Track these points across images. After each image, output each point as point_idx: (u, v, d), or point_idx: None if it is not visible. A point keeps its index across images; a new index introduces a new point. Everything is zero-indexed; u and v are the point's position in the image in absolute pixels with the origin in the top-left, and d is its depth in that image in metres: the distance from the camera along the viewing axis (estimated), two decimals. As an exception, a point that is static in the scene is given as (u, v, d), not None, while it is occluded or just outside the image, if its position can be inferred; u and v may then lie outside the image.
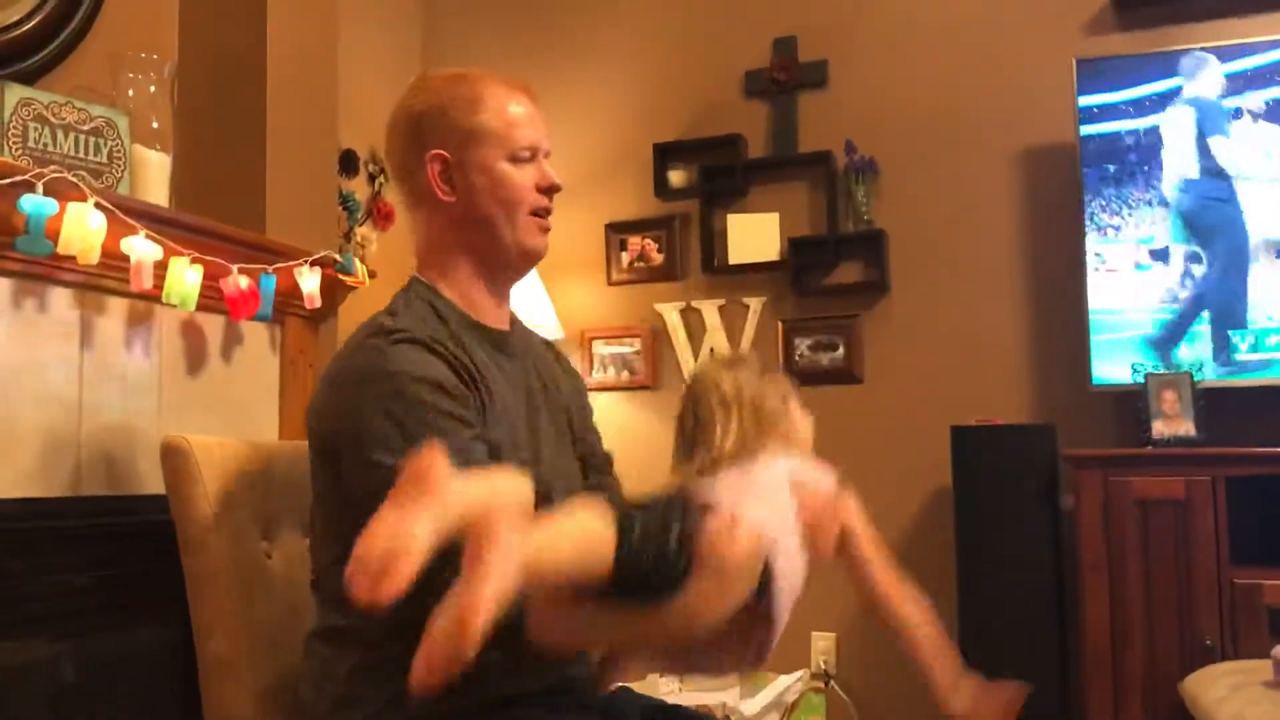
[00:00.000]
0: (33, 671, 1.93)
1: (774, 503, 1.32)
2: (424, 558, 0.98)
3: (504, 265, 1.59)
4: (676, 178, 3.73)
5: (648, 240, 3.79)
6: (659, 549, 1.18)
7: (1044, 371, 3.35)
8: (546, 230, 1.60)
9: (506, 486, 1.12)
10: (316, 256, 2.34)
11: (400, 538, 0.97)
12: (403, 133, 1.58)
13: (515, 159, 1.55)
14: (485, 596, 0.99)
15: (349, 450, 1.41)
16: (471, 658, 0.99)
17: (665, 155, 3.75)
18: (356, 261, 2.48)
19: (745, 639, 1.32)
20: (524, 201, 1.55)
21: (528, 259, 1.60)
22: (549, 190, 1.58)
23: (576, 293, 3.86)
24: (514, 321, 1.67)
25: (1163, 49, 3.12)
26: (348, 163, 3.34)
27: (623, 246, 3.81)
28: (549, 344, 1.80)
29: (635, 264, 3.80)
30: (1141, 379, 3.00)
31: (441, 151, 1.54)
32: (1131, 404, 3.06)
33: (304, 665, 1.51)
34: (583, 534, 1.17)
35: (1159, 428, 2.96)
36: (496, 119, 1.54)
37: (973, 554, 3.00)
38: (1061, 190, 3.27)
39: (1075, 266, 3.16)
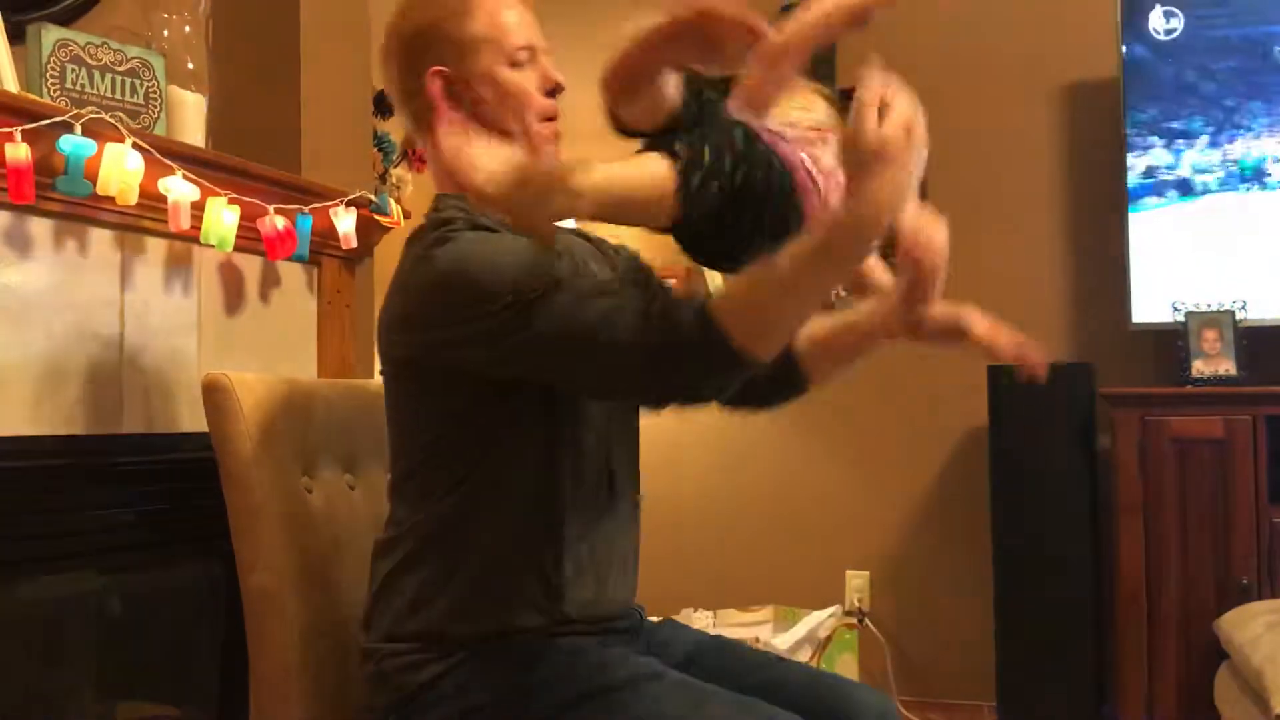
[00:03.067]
0: (78, 605, 1.98)
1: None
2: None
3: None
4: (711, 115, 3.69)
5: (682, 179, 3.76)
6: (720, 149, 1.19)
7: (1082, 310, 3.32)
8: (557, 135, 1.55)
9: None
10: (352, 197, 2.34)
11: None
12: (397, 56, 1.53)
13: (515, 63, 1.50)
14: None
15: (465, 337, 1.34)
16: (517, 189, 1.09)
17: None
18: (392, 202, 2.49)
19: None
20: (532, 105, 1.51)
21: None
22: (554, 90, 1.54)
23: (613, 232, 3.84)
24: None
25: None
26: (382, 104, 3.33)
27: (657, 186, 3.79)
28: (584, 234, 1.72)
29: (670, 204, 3.77)
30: (1182, 318, 2.97)
31: (440, 68, 1.49)
32: (1171, 343, 3.03)
33: (368, 583, 1.52)
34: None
35: (1199, 367, 2.93)
36: (489, 25, 1.50)
37: (1008, 493, 3.00)
38: (1103, 126, 3.21)
39: (1116, 203, 3.12)
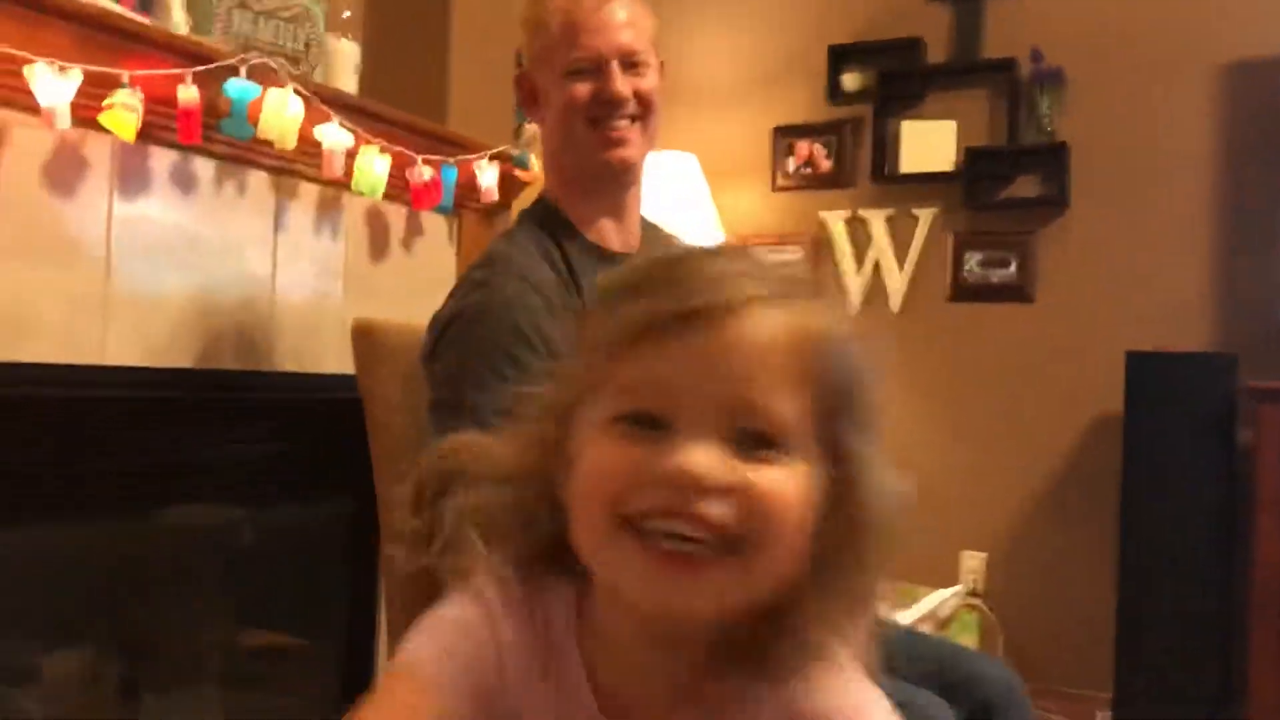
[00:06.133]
0: (216, 535, 2.05)
1: None
2: None
3: (591, 180, 1.53)
4: (850, 81, 3.63)
5: (816, 145, 3.71)
6: None
7: (1228, 300, 3.19)
8: (617, 143, 1.50)
9: None
10: (495, 151, 2.37)
11: None
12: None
13: (574, 73, 1.48)
14: None
15: (432, 383, 1.45)
16: None
17: (839, 58, 3.65)
18: (532, 157, 2.50)
19: None
20: (578, 115, 1.49)
21: (607, 172, 1.52)
22: (610, 102, 1.48)
23: (739, 197, 3.82)
24: (645, 237, 1.61)
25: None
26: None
27: (790, 151, 3.74)
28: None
29: (802, 170, 3.73)
30: (1339, 312, 2.84)
31: (525, 72, 1.57)
32: (1325, 338, 2.90)
33: None
34: None
35: (1354, 364, 2.80)
36: (552, 36, 1.50)
37: (1139, 485, 2.91)
38: (1267, 110, 3.07)
39: (1274, 191, 2.99)
